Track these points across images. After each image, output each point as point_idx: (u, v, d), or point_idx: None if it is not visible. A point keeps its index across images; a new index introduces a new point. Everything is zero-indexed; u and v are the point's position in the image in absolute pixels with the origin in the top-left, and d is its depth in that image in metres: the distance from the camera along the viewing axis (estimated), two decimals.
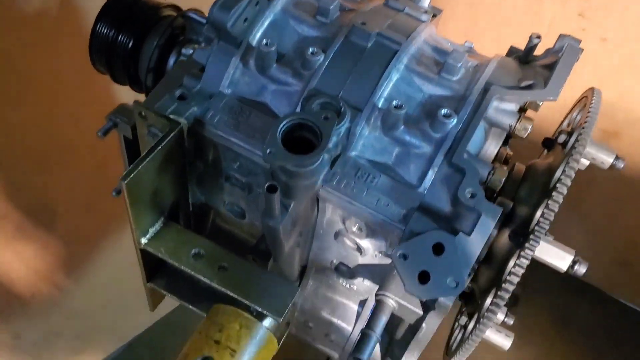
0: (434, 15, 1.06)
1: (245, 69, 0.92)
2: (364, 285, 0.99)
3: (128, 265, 1.06)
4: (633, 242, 2.03)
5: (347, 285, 1.01)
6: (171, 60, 1.08)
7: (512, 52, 1.02)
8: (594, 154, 0.89)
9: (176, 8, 1.16)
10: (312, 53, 0.89)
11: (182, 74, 0.94)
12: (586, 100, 0.94)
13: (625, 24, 1.67)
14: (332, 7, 0.94)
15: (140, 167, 0.81)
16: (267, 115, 0.90)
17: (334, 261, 0.96)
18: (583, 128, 0.85)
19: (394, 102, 0.85)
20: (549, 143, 1.00)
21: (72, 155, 1.78)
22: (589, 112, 0.88)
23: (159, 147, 0.83)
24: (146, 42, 1.10)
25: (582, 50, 0.92)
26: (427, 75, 0.90)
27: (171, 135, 0.84)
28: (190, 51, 1.00)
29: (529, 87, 0.88)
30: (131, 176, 0.79)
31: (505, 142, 0.93)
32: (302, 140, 0.80)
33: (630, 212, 1.99)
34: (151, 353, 2.02)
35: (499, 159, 0.94)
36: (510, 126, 0.87)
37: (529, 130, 0.88)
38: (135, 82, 1.14)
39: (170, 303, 1.00)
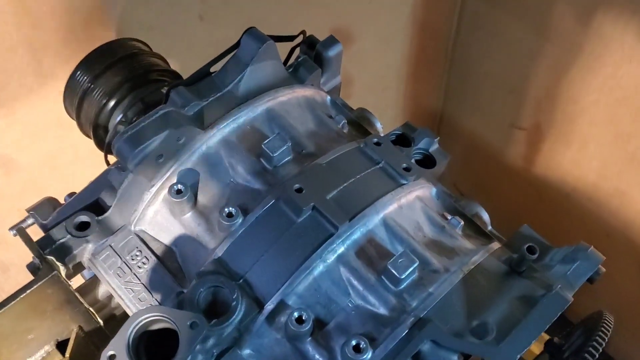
0: (431, 165, 0.84)
1: (159, 207, 0.77)
2: None
3: None
4: None
5: None
6: None
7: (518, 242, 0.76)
8: None
9: (174, 76, 1.01)
10: (228, 215, 0.72)
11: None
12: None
13: None
14: (276, 154, 0.75)
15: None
16: (166, 269, 0.75)
17: None
18: None
19: (295, 314, 0.66)
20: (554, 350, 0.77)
21: None
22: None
23: (22, 295, 0.72)
24: (116, 110, 0.97)
25: (571, 301, 0.66)
26: (363, 276, 0.69)
27: (40, 282, 0.72)
28: None
29: (478, 334, 0.65)
30: None
31: None
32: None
33: None
34: None
35: None
36: None
37: None
38: (100, 145, 1.02)
39: None
